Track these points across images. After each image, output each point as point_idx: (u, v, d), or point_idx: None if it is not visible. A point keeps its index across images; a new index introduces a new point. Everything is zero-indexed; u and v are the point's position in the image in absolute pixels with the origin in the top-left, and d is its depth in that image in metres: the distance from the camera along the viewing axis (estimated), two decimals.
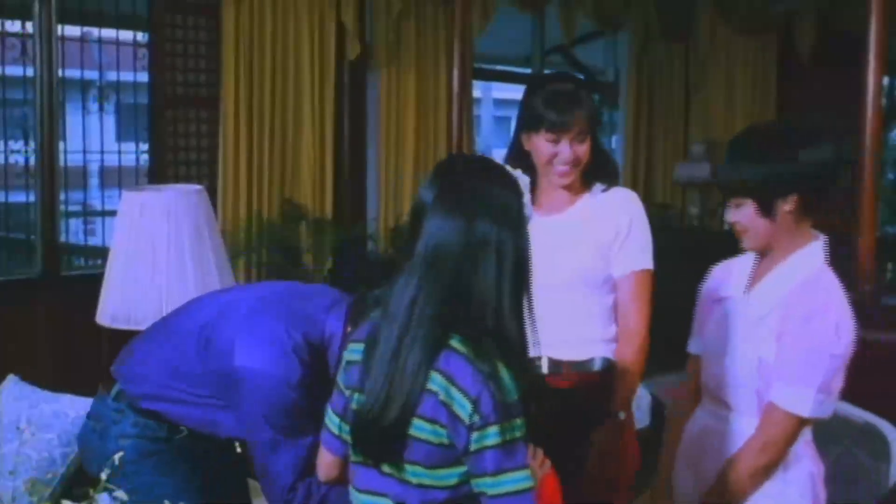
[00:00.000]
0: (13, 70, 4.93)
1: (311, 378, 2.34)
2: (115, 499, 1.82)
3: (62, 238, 5.07)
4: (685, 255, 7.21)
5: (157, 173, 5.21)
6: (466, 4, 5.24)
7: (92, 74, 5.44)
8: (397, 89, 6.09)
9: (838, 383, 2.27)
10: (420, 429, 1.86)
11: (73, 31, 5.08)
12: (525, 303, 1.96)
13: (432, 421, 1.85)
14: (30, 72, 4.84)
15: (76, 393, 3.29)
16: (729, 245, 7.01)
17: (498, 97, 12.42)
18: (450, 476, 1.89)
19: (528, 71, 7.62)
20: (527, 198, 1.99)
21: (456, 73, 5.25)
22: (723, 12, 7.60)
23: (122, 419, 2.48)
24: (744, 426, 2.36)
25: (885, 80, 5.26)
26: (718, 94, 7.85)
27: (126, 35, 5.27)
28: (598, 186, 2.70)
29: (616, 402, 2.63)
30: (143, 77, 5.25)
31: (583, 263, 2.63)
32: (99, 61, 5.32)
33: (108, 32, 5.26)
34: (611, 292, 2.67)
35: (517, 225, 1.92)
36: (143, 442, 2.47)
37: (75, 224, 5.84)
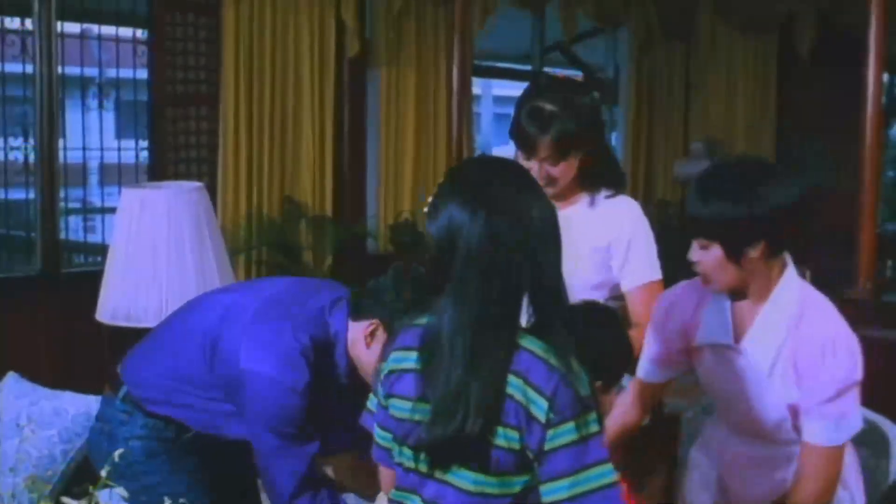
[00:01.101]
0: (13, 67, 4.92)
1: (317, 383, 2.33)
2: (121, 496, 1.82)
3: (62, 235, 5.06)
4: (685, 252, 7.25)
5: (157, 170, 5.20)
6: (466, 2, 5.24)
7: (92, 71, 5.44)
8: (397, 86, 6.09)
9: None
10: (497, 435, 1.76)
11: (72, 27, 5.08)
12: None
13: (507, 426, 1.75)
14: (29, 69, 4.83)
15: (76, 390, 3.29)
16: None
17: (498, 94, 12.43)
18: (515, 483, 1.79)
19: (528, 68, 7.62)
20: None
21: (456, 70, 5.25)
22: (723, 10, 7.60)
23: (131, 420, 2.49)
24: (789, 456, 2.37)
25: (885, 78, 5.26)
26: (718, 92, 7.85)
27: (126, 32, 5.26)
28: (602, 192, 2.67)
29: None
30: (143, 74, 5.25)
31: (582, 273, 2.60)
32: (99, 58, 5.31)
33: (108, 29, 5.25)
34: (606, 298, 2.64)
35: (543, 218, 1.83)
36: (151, 443, 2.48)
37: (75, 221, 5.83)
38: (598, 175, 2.65)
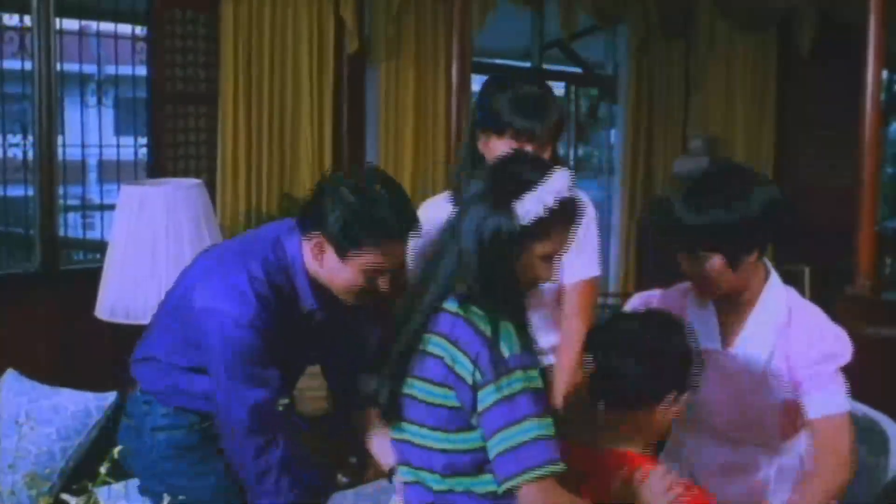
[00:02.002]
0: (11, 64, 4.92)
1: (285, 313, 2.30)
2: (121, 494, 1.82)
3: (61, 232, 5.06)
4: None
5: (156, 167, 5.20)
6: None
7: (90, 68, 5.43)
8: (396, 84, 6.08)
9: None
10: (431, 393, 1.93)
11: (71, 24, 5.07)
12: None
13: (441, 385, 1.92)
14: (28, 66, 4.83)
15: (76, 387, 3.29)
16: None
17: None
18: (468, 440, 1.92)
19: (528, 65, 7.61)
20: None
21: (455, 67, 5.24)
22: (722, 7, 7.59)
23: (152, 410, 2.46)
24: (771, 457, 2.41)
25: (885, 75, 5.26)
26: (717, 89, 7.84)
27: (125, 29, 5.25)
28: None
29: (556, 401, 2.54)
30: (142, 71, 5.24)
31: None
32: (97, 55, 5.31)
33: (107, 26, 5.24)
34: (552, 299, 2.62)
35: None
36: (176, 434, 2.44)
37: (74, 218, 5.83)
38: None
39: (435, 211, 2.56)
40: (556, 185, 1.95)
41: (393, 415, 2.06)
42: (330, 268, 2.26)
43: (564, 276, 2.57)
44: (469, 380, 1.88)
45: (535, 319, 2.55)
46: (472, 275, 1.95)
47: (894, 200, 7.72)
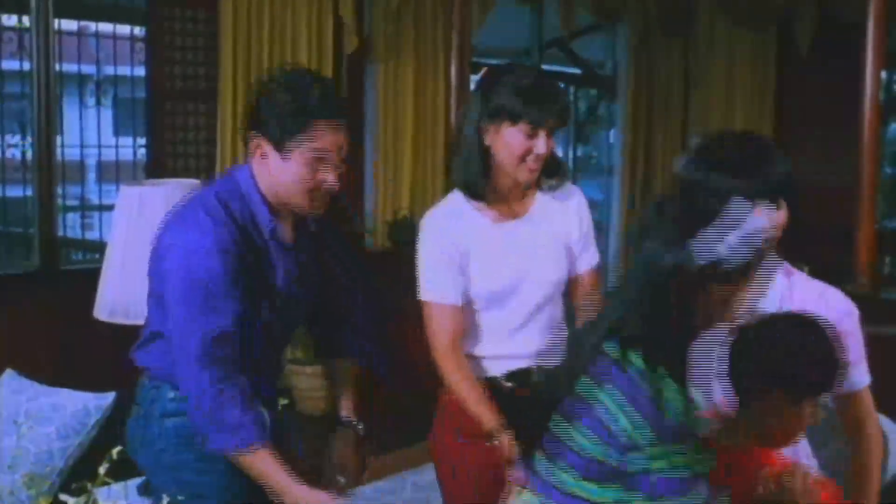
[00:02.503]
0: (10, 64, 4.92)
1: (232, 242, 2.27)
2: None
3: (59, 232, 5.06)
4: None
5: (155, 167, 5.20)
6: None
7: (89, 68, 5.43)
8: (395, 83, 6.08)
9: None
10: (584, 446, 1.81)
11: (70, 24, 5.07)
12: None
13: (596, 439, 1.80)
14: (27, 66, 4.83)
15: (74, 387, 3.29)
16: None
17: None
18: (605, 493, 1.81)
19: (528, 64, 7.60)
20: None
21: (454, 66, 5.25)
22: (722, 5, 7.59)
23: (160, 395, 2.43)
24: None
25: (884, 74, 5.26)
26: (717, 88, 7.83)
27: (123, 29, 5.26)
28: (546, 183, 2.60)
29: None
30: (141, 71, 5.24)
31: (559, 272, 2.60)
32: (96, 55, 5.31)
33: (106, 26, 5.25)
34: (558, 293, 2.64)
35: None
36: (186, 421, 2.37)
37: (73, 218, 5.83)
38: (549, 165, 2.58)
39: (455, 221, 2.59)
40: (749, 222, 1.78)
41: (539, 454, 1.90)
42: (275, 169, 2.29)
43: (577, 266, 2.62)
44: (624, 440, 1.77)
45: (561, 311, 2.61)
46: (640, 315, 1.80)
47: (893, 199, 7.72)
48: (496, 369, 2.60)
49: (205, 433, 2.29)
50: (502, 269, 2.56)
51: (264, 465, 2.28)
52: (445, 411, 2.67)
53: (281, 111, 2.26)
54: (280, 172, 2.30)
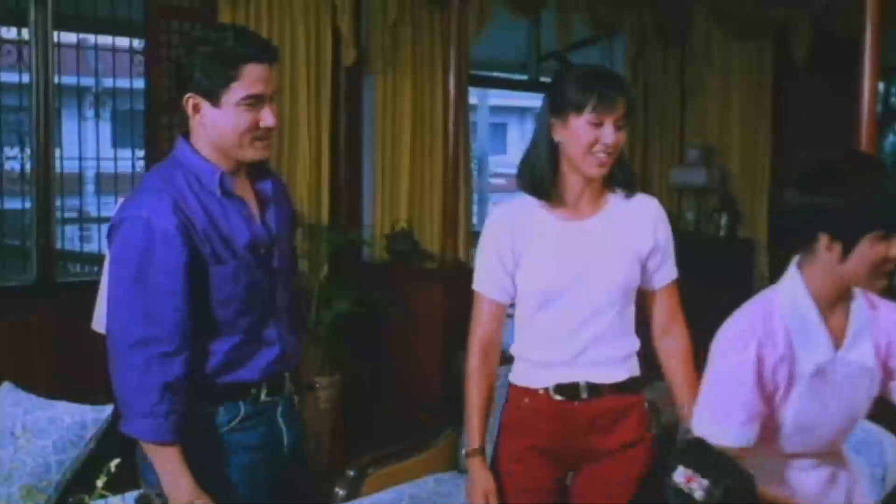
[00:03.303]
0: (9, 76, 4.93)
1: (173, 211, 2.26)
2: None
3: (58, 244, 5.06)
4: (681, 259, 7.26)
5: None
6: (462, 11, 5.24)
7: (88, 81, 5.44)
8: (393, 95, 6.09)
9: None
10: None
11: (69, 37, 5.08)
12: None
13: None
14: (26, 78, 4.84)
15: (72, 400, 3.28)
16: (724, 250, 7.09)
17: (494, 104, 12.42)
18: None
19: (525, 77, 7.62)
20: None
21: (452, 79, 5.25)
22: (718, 17, 7.61)
23: None
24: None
25: (881, 86, 5.27)
26: (714, 99, 7.85)
27: (122, 41, 5.27)
28: (619, 192, 2.59)
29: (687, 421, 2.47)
30: (139, 84, 5.25)
31: (626, 274, 2.53)
32: (95, 68, 5.32)
33: (105, 39, 5.26)
34: (633, 304, 2.59)
35: None
36: (203, 438, 2.36)
37: (71, 230, 5.83)
38: (618, 172, 2.57)
39: (518, 217, 2.58)
40: None
41: None
42: (212, 122, 2.30)
43: (653, 281, 2.60)
44: None
45: (628, 323, 2.56)
46: None
47: None
48: (545, 379, 2.55)
49: (122, 413, 2.31)
50: (558, 267, 2.52)
51: (165, 462, 2.29)
52: (501, 423, 2.66)
53: (207, 64, 2.26)
54: (219, 124, 2.30)
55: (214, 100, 2.28)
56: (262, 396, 2.43)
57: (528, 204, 2.58)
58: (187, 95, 2.30)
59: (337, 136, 5.86)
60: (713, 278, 7.10)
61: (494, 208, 2.74)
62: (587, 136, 2.45)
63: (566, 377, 2.53)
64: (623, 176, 2.58)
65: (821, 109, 7.08)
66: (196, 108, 2.31)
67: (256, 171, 2.46)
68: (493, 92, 10.37)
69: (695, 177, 7.59)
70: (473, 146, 6.84)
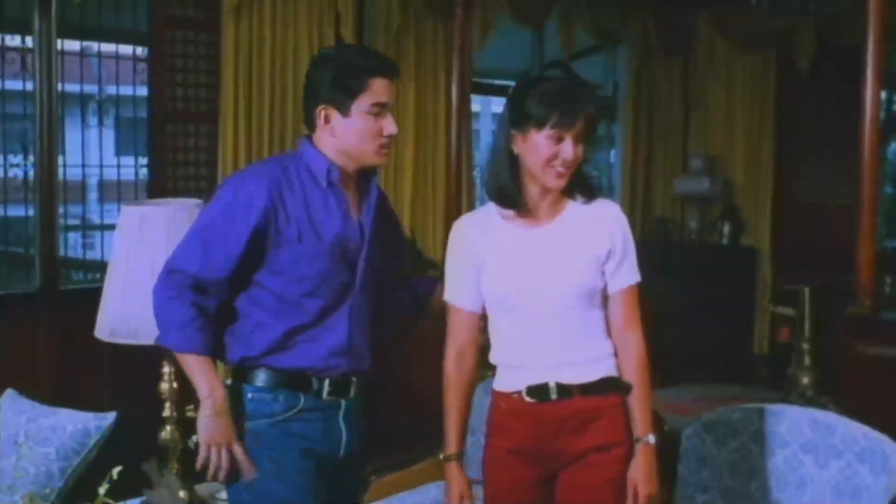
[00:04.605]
0: (13, 84, 4.94)
1: (270, 186, 2.48)
2: None
3: (61, 252, 5.06)
4: (684, 268, 7.25)
5: (157, 187, 5.21)
6: (466, 19, 5.25)
7: (91, 89, 5.45)
8: (396, 103, 6.02)
9: None
10: None
11: (72, 45, 5.10)
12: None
13: None
14: (29, 86, 4.85)
15: (75, 407, 3.28)
16: (726, 259, 7.08)
17: (497, 112, 12.42)
18: None
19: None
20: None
21: (455, 87, 5.26)
22: (722, 27, 7.62)
23: (238, 395, 2.52)
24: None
25: (883, 95, 5.27)
26: (717, 109, 7.85)
27: (125, 49, 5.28)
28: (579, 198, 2.61)
29: (642, 426, 2.57)
30: (143, 91, 5.26)
31: (582, 276, 2.55)
32: (98, 75, 5.33)
33: (108, 47, 5.27)
34: (602, 306, 2.60)
35: None
36: (262, 424, 2.50)
37: (74, 238, 5.84)
38: (579, 179, 2.60)
39: (479, 226, 2.65)
40: None
41: None
42: (343, 130, 2.53)
43: (611, 284, 2.59)
44: None
45: (595, 325, 2.58)
46: None
47: (894, 219, 7.73)
48: (517, 382, 2.59)
49: (158, 329, 2.52)
50: (517, 272, 2.56)
51: (201, 374, 2.47)
52: (486, 427, 2.71)
53: (336, 78, 2.51)
54: (348, 130, 2.53)
55: (344, 110, 2.51)
56: (325, 394, 2.53)
57: (489, 212, 2.65)
58: (319, 107, 2.54)
59: None
60: (716, 286, 7.11)
61: (455, 222, 2.78)
62: (547, 151, 2.49)
63: (536, 378, 2.56)
64: (581, 183, 2.61)
65: (824, 118, 7.09)
66: (327, 119, 2.53)
67: (366, 183, 2.67)
68: (495, 100, 10.38)
69: (698, 186, 7.60)
70: (476, 154, 6.83)
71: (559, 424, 2.55)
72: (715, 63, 7.79)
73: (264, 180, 2.49)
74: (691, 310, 6.59)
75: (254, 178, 2.53)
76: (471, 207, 6.40)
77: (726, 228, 7.55)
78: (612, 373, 2.59)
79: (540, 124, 2.49)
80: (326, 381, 2.53)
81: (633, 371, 2.59)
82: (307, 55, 5.56)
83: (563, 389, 2.55)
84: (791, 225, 7.46)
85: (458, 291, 2.65)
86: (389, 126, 2.57)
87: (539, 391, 2.56)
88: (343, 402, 2.57)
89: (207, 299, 2.49)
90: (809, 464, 2.94)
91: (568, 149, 2.49)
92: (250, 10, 5.33)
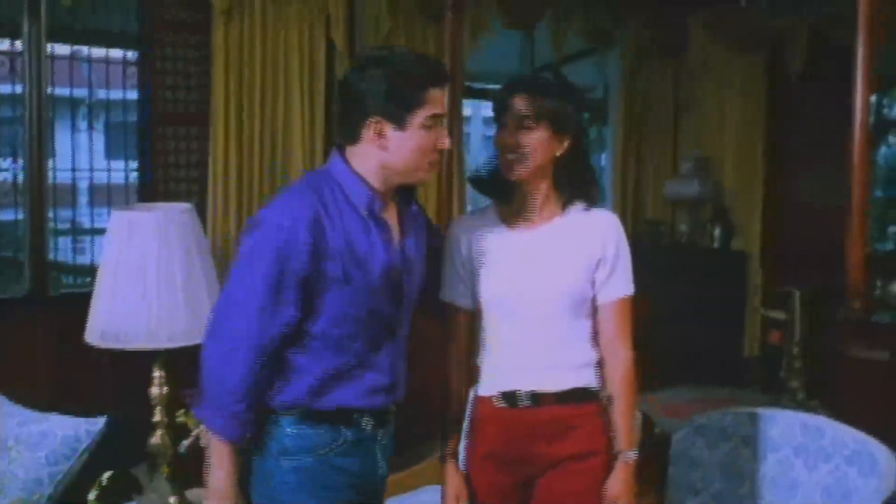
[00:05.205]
0: (2, 88, 4.93)
1: (312, 220, 2.29)
2: None
3: (51, 256, 5.04)
4: (675, 271, 7.25)
5: (147, 191, 5.19)
6: (456, 23, 5.25)
7: (81, 92, 5.43)
8: None
9: None
10: None
11: (62, 49, 5.08)
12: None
13: None
14: (19, 89, 4.83)
15: (66, 412, 3.28)
16: (717, 262, 7.12)
17: (488, 115, 12.42)
18: None
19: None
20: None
21: (446, 90, 5.24)
22: (714, 30, 7.62)
23: (278, 430, 2.40)
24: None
25: (874, 98, 5.28)
26: (709, 111, 7.86)
27: (116, 53, 5.27)
28: (578, 205, 2.59)
29: (624, 440, 2.56)
30: (133, 95, 5.24)
31: (569, 283, 2.53)
32: (88, 79, 5.31)
33: (98, 51, 5.26)
34: (589, 316, 2.58)
35: None
36: (303, 461, 2.38)
37: (64, 242, 5.82)
38: (578, 185, 2.59)
39: (474, 226, 2.64)
40: None
41: None
42: (397, 144, 2.34)
43: (601, 294, 2.57)
44: None
45: (577, 333, 2.56)
46: None
47: (885, 222, 7.75)
48: (492, 386, 2.60)
49: (202, 396, 2.33)
50: (507, 275, 2.56)
51: (222, 458, 2.33)
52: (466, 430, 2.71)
53: (393, 88, 2.31)
54: (403, 145, 2.34)
55: (400, 121, 2.32)
56: (366, 427, 2.44)
57: (484, 214, 2.67)
58: (371, 119, 2.33)
59: (330, 148, 5.84)
60: (707, 289, 7.11)
61: (452, 221, 2.82)
62: (497, 141, 2.53)
63: (509, 384, 2.57)
64: (584, 188, 2.60)
65: (816, 120, 7.11)
66: (380, 133, 2.34)
67: (404, 196, 2.50)
68: (486, 104, 10.39)
69: (689, 188, 7.60)
70: (467, 157, 6.83)
71: (531, 430, 2.54)
72: (707, 65, 7.79)
73: (306, 216, 2.28)
74: (682, 312, 6.60)
75: (293, 217, 2.29)
76: (461, 211, 6.40)
77: (717, 231, 7.56)
78: (592, 383, 2.57)
79: (502, 121, 2.53)
80: (368, 416, 2.44)
81: (619, 385, 2.57)
82: (298, 58, 5.56)
83: (535, 397, 2.53)
84: (782, 228, 7.46)
85: (456, 290, 2.64)
86: (444, 139, 2.39)
87: (510, 397, 2.56)
88: (381, 433, 2.50)
89: (262, 368, 2.32)
90: (799, 467, 2.95)
91: (509, 136, 2.50)
92: (241, 12, 5.32)
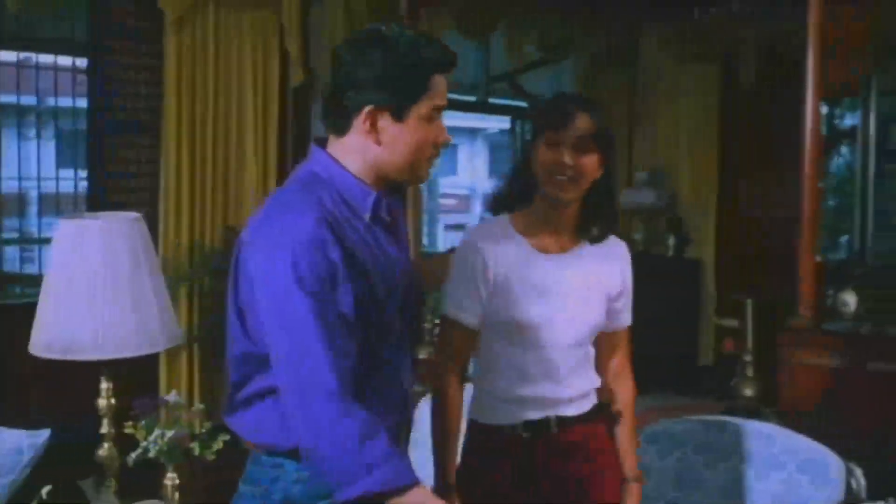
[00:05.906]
0: None
1: (330, 234, 1.92)
2: None
3: None
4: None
5: (97, 200, 5.13)
6: None
7: (29, 100, 5.36)
8: None
9: None
10: None
11: (9, 56, 5.01)
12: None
13: None
14: None
15: (10, 424, 3.22)
16: (672, 270, 7.15)
17: (447, 125, 12.39)
18: None
19: (474, 99, 7.63)
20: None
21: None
22: (666, 41, 7.67)
23: (283, 476, 2.03)
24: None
25: (825, 109, 5.34)
26: (663, 121, 7.91)
27: (65, 60, 5.20)
28: (594, 230, 2.47)
29: (629, 466, 2.55)
30: (83, 103, 5.18)
31: (597, 312, 2.47)
32: (36, 87, 5.24)
33: (47, 58, 5.18)
34: (593, 342, 2.53)
35: None
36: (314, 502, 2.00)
37: (11, 252, 5.74)
38: (602, 209, 2.48)
39: (496, 240, 2.45)
40: None
41: None
42: (392, 137, 2.01)
43: (613, 322, 2.54)
44: None
45: (590, 359, 2.50)
46: None
47: (836, 231, 7.83)
48: (514, 415, 2.45)
49: (340, 479, 1.87)
50: (537, 300, 2.42)
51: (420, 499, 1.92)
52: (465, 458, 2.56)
53: (395, 74, 1.97)
54: (400, 139, 2.01)
55: (401, 114, 2.00)
56: None
57: (505, 229, 2.48)
58: (367, 108, 1.98)
59: (284, 157, 5.83)
60: (662, 298, 7.14)
61: (471, 229, 2.60)
62: (546, 160, 2.36)
63: (536, 413, 2.45)
64: (604, 214, 2.49)
65: (768, 131, 7.17)
66: (374, 123, 1.99)
67: (395, 201, 2.15)
68: (443, 113, 10.39)
69: (644, 198, 7.64)
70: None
71: (550, 456, 2.45)
72: (660, 77, 7.85)
73: (325, 229, 1.92)
74: (638, 322, 6.61)
75: (315, 234, 1.91)
76: (418, 221, 6.38)
77: (672, 241, 7.61)
78: (595, 402, 2.55)
79: (538, 133, 2.40)
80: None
81: (626, 411, 2.59)
82: (251, 66, 5.52)
83: (563, 421, 2.45)
84: (735, 237, 7.52)
85: (468, 307, 2.43)
86: (444, 133, 2.08)
87: (538, 426, 2.44)
88: None
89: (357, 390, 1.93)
90: (751, 476, 2.95)
91: (566, 156, 2.34)
92: (193, 20, 5.28)
